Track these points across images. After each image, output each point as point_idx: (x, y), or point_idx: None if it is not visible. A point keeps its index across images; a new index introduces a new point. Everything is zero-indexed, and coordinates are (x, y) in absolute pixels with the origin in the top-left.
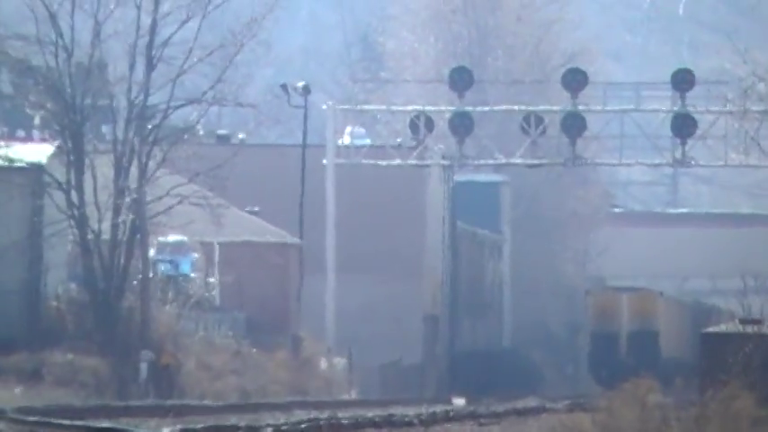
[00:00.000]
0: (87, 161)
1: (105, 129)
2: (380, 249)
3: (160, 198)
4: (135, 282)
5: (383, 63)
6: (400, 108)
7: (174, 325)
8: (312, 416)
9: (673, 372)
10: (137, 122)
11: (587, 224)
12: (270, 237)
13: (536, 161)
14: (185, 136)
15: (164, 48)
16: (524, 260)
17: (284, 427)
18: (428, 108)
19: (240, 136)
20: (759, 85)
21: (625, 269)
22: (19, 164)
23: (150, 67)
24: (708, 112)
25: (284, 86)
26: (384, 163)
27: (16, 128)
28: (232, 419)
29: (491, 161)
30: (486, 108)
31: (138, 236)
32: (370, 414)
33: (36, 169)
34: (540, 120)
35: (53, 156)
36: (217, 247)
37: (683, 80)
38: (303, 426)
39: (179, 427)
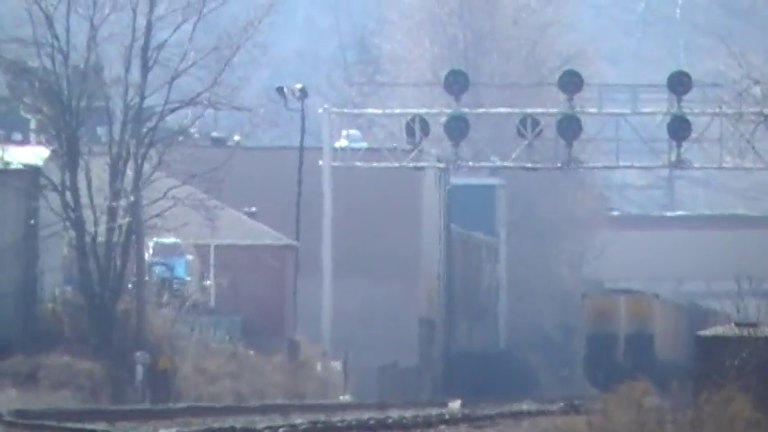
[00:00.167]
0: (83, 163)
1: (101, 131)
2: (376, 252)
3: (156, 201)
4: (130, 285)
5: (379, 66)
6: (396, 111)
7: (170, 328)
8: (308, 419)
9: (668, 374)
10: (132, 125)
11: (583, 227)
12: (266, 239)
13: (532, 164)
14: (180, 138)
15: (159, 50)
16: (520, 263)
17: (281, 430)
18: (424, 111)
19: (236, 138)
20: (754, 88)
21: (621, 272)
22: (15, 166)
23: (146, 69)
24: (703, 114)
25: (281, 90)
26: (380, 165)
27: (12, 131)
28: (228, 422)
29: (487, 164)
30: (482, 111)
31: (134, 238)
32: (365, 417)
33: (32, 171)
34: (535, 122)
35: (49, 158)
36: (213, 249)
37: (678, 83)
38: (299, 428)
39: (174, 429)
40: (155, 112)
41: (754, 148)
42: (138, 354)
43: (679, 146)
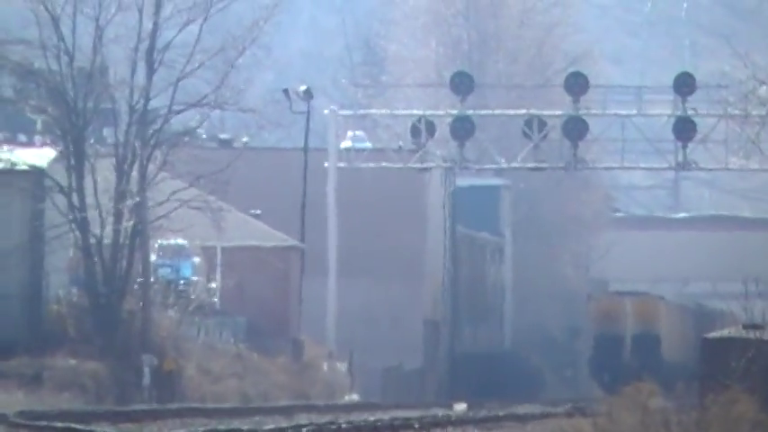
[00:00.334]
0: (88, 165)
1: (107, 132)
2: (381, 253)
3: (161, 203)
4: (136, 286)
5: (384, 67)
6: (401, 112)
7: (175, 329)
8: (313, 420)
9: (675, 376)
10: (138, 126)
11: (588, 228)
12: (271, 240)
13: (537, 165)
14: (186, 139)
15: (165, 52)
16: (525, 264)
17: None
18: (429, 112)
19: (243, 140)
20: (760, 89)
21: (626, 273)
22: (20, 167)
23: (151, 70)
24: (709, 115)
25: (286, 91)
26: (385, 166)
27: (18, 132)
28: (233, 423)
29: (492, 165)
30: (488, 112)
31: (139, 240)
32: (371, 418)
33: (37, 173)
34: (541, 123)
35: (54, 160)
36: (219, 250)
37: (684, 84)
38: (304, 429)
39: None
40: (160, 114)
41: (759, 148)
42: (145, 356)
43: (684, 147)
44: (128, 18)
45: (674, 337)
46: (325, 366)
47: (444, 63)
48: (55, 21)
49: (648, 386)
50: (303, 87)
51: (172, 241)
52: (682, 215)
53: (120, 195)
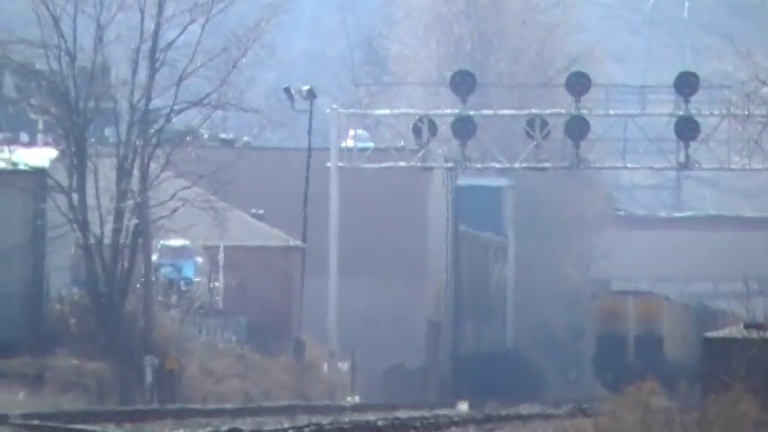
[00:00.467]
0: (90, 164)
1: (108, 132)
2: (384, 252)
3: (163, 202)
4: (138, 285)
5: (386, 67)
6: (403, 111)
7: (177, 329)
8: (315, 420)
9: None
10: (140, 126)
11: (591, 227)
12: (273, 240)
13: (539, 165)
14: (188, 139)
15: (167, 51)
16: (528, 263)
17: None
18: (431, 112)
19: (245, 139)
20: (762, 89)
21: (628, 272)
22: (22, 167)
23: (153, 70)
24: (711, 115)
25: (288, 90)
26: (387, 165)
27: (20, 131)
28: (235, 423)
29: (494, 164)
30: (490, 111)
31: (141, 239)
32: (373, 418)
33: (38, 173)
34: (543, 123)
35: (56, 159)
36: (221, 250)
37: (686, 84)
38: (306, 430)
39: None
40: (162, 114)
41: (761, 148)
42: (148, 357)
43: (686, 146)
44: (129, 17)
45: (676, 336)
46: (325, 367)
47: (446, 62)
48: (56, 20)
49: (649, 385)
50: (306, 87)
51: (174, 241)
52: (684, 215)
53: (122, 195)
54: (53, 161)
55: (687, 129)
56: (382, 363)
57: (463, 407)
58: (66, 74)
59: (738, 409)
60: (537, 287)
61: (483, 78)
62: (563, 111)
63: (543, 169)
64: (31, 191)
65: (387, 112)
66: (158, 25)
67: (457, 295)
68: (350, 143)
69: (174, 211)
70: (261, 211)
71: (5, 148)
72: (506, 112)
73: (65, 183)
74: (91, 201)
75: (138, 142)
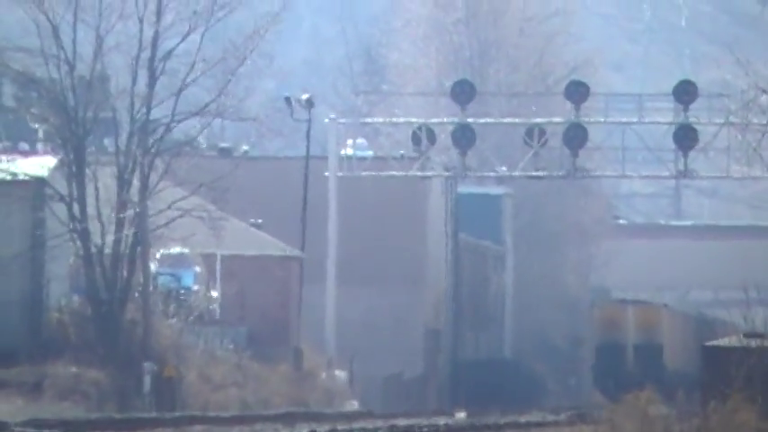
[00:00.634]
0: (89, 174)
1: (108, 141)
2: (382, 261)
3: (162, 211)
4: (137, 294)
5: (385, 75)
6: (402, 120)
7: (176, 337)
8: (313, 428)
9: (677, 384)
10: (139, 135)
11: (590, 236)
12: (271, 249)
13: (538, 173)
14: (187, 149)
15: (166, 60)
16: (527, 272)
17: None
18: (430, 120)
19: (243, 148)
20: (761, 98)
21: (627, 281)
22: (21, 177)
23: (153, 79)
24: (710, 124)
25: (288, 99)
26: (386, 174)
27: (19, 141)
28: (233, 431)
29: (493, 173)
30: (489, 120)
31: (140, 249)
32: (371, 426)
33: (38, 182)
34: (542, 131)
35: (55, 168)
36: (219, 259)
37: (685, 92)
38: None
39: None
40: (161, 123)
41: (761, 157)
42: (146, 364)
43: (685, 155)
44: (129, 27)
45: (676, 345)
46: (323, 375)
47: (445, 71)
48: (55, 29)
49: (648, 393)
50: (305, 96)
51: (172, 250)
52: (683, 223)
53: (121, 204)
54: (52, 170)
55: (686, 137)
56: (381, 370)
57: (460, 416)
58: (66, 83)
59: (737, 418)
60: (536, 295)
61: (482, 87)
62: (562, 119)
63: (542, 178)
64: (31, 200)
65: (385, 120)
66: (157, 33)
67: (456, 303)
68: (349, 152)
69: (173, 220)
70: (259, 221)
71: (4, 158)
72: (505, 120)
73: (64, 192)
74: (90, 210)
75: (137, 152)
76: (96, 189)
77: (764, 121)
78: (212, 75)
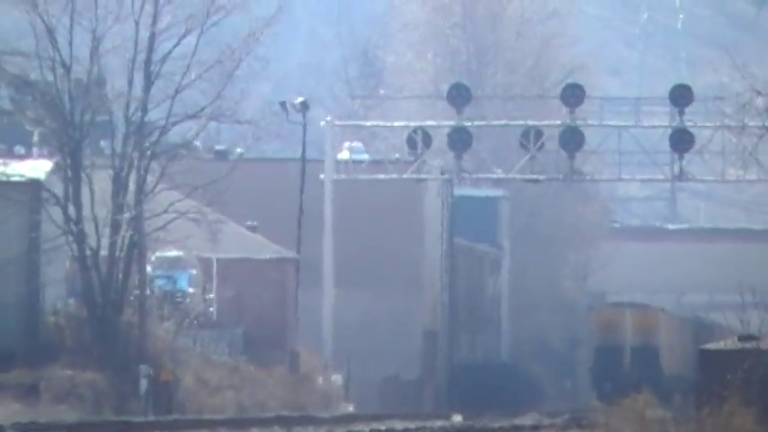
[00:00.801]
0: (85, 177)
1: (104, 144)
2: (378, 264)
3: (158, 214)
4: (132, 297)
5: (381, 78)
6: (398, 124)
7: (172, 340)
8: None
9: (674, 387)
10: (135, 138)
11: (586, 239)
12: (267, 252)
13: (534, 176)
14: (183, 151)
15: (162, 63)
16: (523, 275)
17: None
18: (427, 123)
19: (238, 151)
20: (757, 101)
21: (623, 284)
22: (17, 179)
23: (149, 82)
24: (706, 127)
25: (283, 104)
26: (382, 177)
27: (16, 144)
28: None
29: (490, 176)
30: (485, 123)
31: (136, 251)
32: (367, 429)
33: (34, 185)
34: (538, 134)
35: (51, 171)
36: (215, 262)
37: (681, 96)
38: None
39: None
40: (157, 126)
41: (756, 160)
42: (142, 367)
43: (681, 158)
44: (125, 30)
45: (673, 348)
46: (320, 378)
47: (442, 74)
48: (51, 32)
49: (644, 396)
50: (300, 99)
51: (168, 253)
52: (679, 227)
53: (118, 207)
54: (48, 173)
55: (682, 140)
56: (378, 373)
57: (458, 418)
58: (62, 86)
59: (733, 422)
60: (533, 298)
61: (479, 90)
62: (558, 122)
63: (538, 181)
64: (27, 203)
65: (382, 123)
66: (153, 36)
67: (452, 306)
68: (345, 155)
69: (169, 223)
70: (255, 223)
71: (0, 161)
72: (501, 123)
73: (60, 195)
74: (86, 213)
75: (134, 155)
76: (92, 192)
77: (760, 124)
78: (208, 77)
